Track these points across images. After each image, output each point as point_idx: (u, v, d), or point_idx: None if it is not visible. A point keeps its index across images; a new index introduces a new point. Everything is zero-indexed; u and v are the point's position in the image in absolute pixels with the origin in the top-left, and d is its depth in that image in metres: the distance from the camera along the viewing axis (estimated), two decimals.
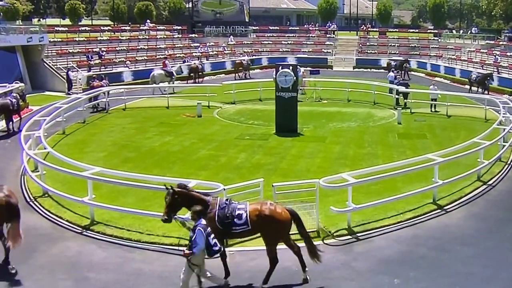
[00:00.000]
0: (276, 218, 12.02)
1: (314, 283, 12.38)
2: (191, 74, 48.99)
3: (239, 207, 12.06)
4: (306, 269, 12.42)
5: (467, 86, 42.92)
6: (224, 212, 11.92)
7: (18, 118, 29.42)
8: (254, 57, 58.57)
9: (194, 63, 51.20)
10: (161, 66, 46.49)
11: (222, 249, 11.57)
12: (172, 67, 46.70)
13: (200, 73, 49.99)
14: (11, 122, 28.46)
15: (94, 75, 41.76)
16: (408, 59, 54.63)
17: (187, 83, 47.73)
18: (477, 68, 50.76)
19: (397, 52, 63.42)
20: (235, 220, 11.90)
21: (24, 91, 33.42)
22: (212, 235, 11.25)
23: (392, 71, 44.66)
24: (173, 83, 43.80)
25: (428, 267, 13.01)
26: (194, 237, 11.10)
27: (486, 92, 39.70)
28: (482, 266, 13.05)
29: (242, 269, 13.07)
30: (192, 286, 11.64)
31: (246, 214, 11.95)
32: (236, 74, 51.49)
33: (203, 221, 11.32)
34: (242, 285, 12.39)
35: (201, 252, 11.19)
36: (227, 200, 12.32)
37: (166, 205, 11.96)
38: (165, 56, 53.06)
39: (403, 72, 50.47)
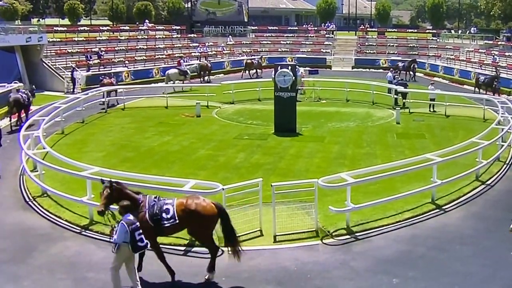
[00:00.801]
0: (201, 212, 12.24)
1: (312, 283, 12.40)
2: (201, 73, 49.25)
3: (166, 203, 12.33)
4: (214, 272, 12.61)
5: (467, 87, 42.98)
6: (153, 209, 12.16)
7: (25, 113, 30.38)
8: (264, 56, 58.91)
9: (204, 62, 51.80)
10: (176, 65, 47.40)
11: (147, 245, 11.68)
12: (187, 65, 47.52)
13: (209, 72, 50.52)
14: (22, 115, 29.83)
15: (104, 73, 42.36)
16: (415, 59, 54.13)
17: (201, 81, 48.24)
18: (475, 68, 50.84)
19: (395, 52, 63.48)
20: (163, 215, 12.15)
21: (33, 89, 34.60)
22: (139, 231, 11.40)
23: (396, 72, 44.96)
24: (188, 82, 44.40)
25: (427, 267, 13.03)
26: (115, 231, 11.36)
27: (495, 94, 38.91)
28: (481, 265, 13.07)
29: (241, 269, 13.07)
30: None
31: (173, 208, 12.20)
32: (246, 73, 52.06)
33: (130, 217, 11.50)
34: (241, 285, 12.40)
35: (126, 247, 11.34)
36: (155, 197, 12.50)
37: (104, 198, 12.11)
38: (180, 55, 53.97)
39: (411, 72, 50.37)
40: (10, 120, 29.70)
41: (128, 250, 11.38)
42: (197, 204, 12.27)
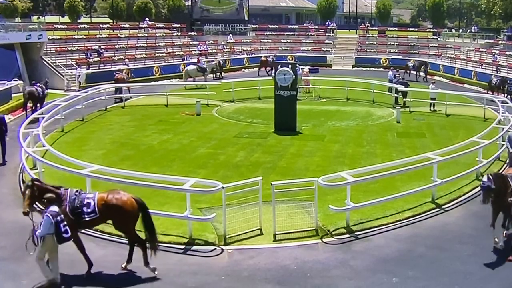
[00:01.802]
0: (120, 206, 12.42)
1: (312, 282, 12.39)
2: (214, 69, 49.49)
3: (88, 197, 12.53)
4: (130, 263, 12.87)
5: (467, 86, 42.89)
6: (74, 203, 12.33)
7: (40, 106, 30.98)
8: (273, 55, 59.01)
9: (217, 60, 52.72)
10: (195, 62, 48.56)
11: (71, 237, 11.94)
12: (208, 63, 48.52)
13: (221, 69, 51.22)
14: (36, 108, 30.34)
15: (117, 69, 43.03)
16: (426, 61, 53.46)
17: (214, 78, 48.48)
18: (476, 67, 50.84)
19: (396, 51, 63.47)
20: (84, 209, 12.32)
21: (47, 82, 35.07)
22: (64, 223, 11.63)
23: (405, 71, 45.05)
24: (205, 79, 44.80)
25: (427, 266, 13.01)
26: (41, 222, 11.52)
27: (509, 96, 37.75)
28: (481, 265, 13.04)
29: (241, 268, 13.08)
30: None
31: (94, 202, 12.38)
32: (260, 70, 52.61)
33: (54, 208, 11.69)
34: (240, 284, 12.38)
35: (50, 238, 11.53)
36: (77, 191, 12.65)
37: (27, 198, 12.21)
38: (199, 52, 55.38)
39: (421, 73, 49.86)
40: (26, 113, 30.13)
41: (53, 241, 11.59)
42: (117, 198, 12.50)
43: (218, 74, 49.63)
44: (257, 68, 54.41)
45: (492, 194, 13.44)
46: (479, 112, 31.71)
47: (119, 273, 12.78)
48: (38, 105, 31.22)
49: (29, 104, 31.14)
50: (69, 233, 11.70)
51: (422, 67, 50.27)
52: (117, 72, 40.56)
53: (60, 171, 17.94)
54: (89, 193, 12.89)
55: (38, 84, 32.54)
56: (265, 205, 15.32)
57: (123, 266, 12.80)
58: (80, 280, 12.45)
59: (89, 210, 12.33)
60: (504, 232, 14.13)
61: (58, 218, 11.55)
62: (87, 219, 12.37)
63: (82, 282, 12.36)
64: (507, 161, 20.28)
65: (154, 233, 12.95)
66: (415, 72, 50.27)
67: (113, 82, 37.87)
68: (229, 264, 13.32)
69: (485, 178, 13.45)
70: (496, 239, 13.90)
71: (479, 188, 13.82)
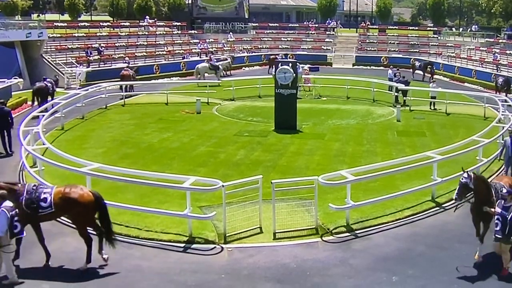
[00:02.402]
0: (77, 200, 12.57)
1: (312, 280, 12.40)
2: (227, 67, 49.92)
3: (45, 191, 12.69)
4: (89, 262, 12.92)
5: (468, 85, 42.79)
6: (31, 197, 12.47)
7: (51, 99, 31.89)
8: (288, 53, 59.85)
9: (230, 57, 53.66)
10: (207, 59, 49.18)
11: (23, 233, 12.14)
12: (222, 61, 49.23)
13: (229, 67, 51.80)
14: (45, 103, 30.52)
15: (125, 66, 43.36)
16: (431, 61, 52.58)
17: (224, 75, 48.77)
18: (476, 66, 50.84)
19: (396, 49, 63.51)
20: (40, 203, 12.48)
21: (57, 79, 36.71)
22: (17, 218, 11.78)
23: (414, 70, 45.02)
24: (218, 77, 44.86)
25: (427, 265, 13.01)
26: None
27: None
28: (480, 264, 13.05)
29: (241, 266, 13.09)
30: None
31: (51, 197, 12.53)
32: (271, 68, 52.24)
33: (8, 203, 11.78)
34: (240, 282, 12.39)
35: (5, 233, 11.63)
36: (34, 185, 12.82)
37: None
38: (211, 51, 56.19)
39: (428, 73, 48.65)
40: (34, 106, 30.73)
41: (6, 236, 11.66)
42: (74, 192, 12.66)
43: (228, 72, 49.91)
44: (257, 67, 54.55)
45: (468, 194, 13.22)
46: (479, 111, 31.72)
47: (118, 271, 12.79)
48: (49, 98, 32.04)
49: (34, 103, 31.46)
50: (19, 227, 11.84)
51: (428, 67, 49.52)
52: (126, 68, 41.17)
53: (60, 169, 17.94)
54: (47, 187, 13.06)
55: (48, 79, 33.37)
56: (265, 203, 15.33)
57: (81, 268, 12.84)
58: (80, 277, 12.46)
59: (46, 204, 12.50)
60: (477, 253, 13.26)
61: (13, 212, 11.70)
62: (44, 213, 12.55)
63: (83, 280, 12.37)
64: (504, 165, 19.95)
65: (110, 227, 13.14)
66: (421, 72, 49.56)
67: (118, 79, 38.07)
68: (229, 263, 13.34)
69: (465, 175, 13.06)
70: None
71: (461, 180, 13.15)
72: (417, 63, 51.42)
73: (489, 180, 14.31)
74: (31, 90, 32.70)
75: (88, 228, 13.00)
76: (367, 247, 14.26)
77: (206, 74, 45.63)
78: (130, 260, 13.37)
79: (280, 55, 55.15)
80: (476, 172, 14.67)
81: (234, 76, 45.97)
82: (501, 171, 20.12)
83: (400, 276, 12.47)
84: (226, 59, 51.14)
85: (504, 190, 12.66)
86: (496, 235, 12.24)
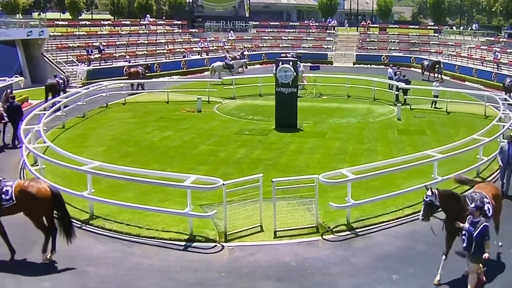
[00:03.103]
0: (34, 194, 12.79)
1: (313, 278, 12.41)
2: (242, 66, 50.20)
3: (7, 184, 13.03)
4: (54, 252, 13.18)
5: (468, 84, 42.70)
6: None
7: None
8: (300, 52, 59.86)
9: (247, 56, 54.95)
10: (223, 58, 50.10)
11: None
12: (236, 61, 49.52)
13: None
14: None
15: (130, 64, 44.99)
16: (440, 59, 52.24)
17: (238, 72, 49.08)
18: (477, 65, 50.82)
19: (397, 48, 63.53)
20: (2, 196, 12.79)
21: (69, 76, 38.48)
22: None
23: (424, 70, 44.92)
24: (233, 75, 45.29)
25: (427, 263, 13.02)
26: None
27: None
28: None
29: (241, 264, 13.11)
30: None
31: (12, 190, 12.79)
32: None
33: None
34: (241, 280, 12.41)
35: None
36: None
37: None
38: (227, 49, 56.92)
39: (436, 73, 47.90)
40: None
41: None
42: (32, 186, 12.91)
43: (241, 69, 50.08)
44: (258, 65, 54.62)
45: (434, 211, 12.29)
46: (479, 110, 31.71)
47: (119, 269, 12.83)
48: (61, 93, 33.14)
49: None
50: None
51: (436, 66, 48.61)
52: (139, 67, 42.21)
53: (61, 167, 17.97)
54: (10, 181, 13.21)
55: (60, 76, 35.09)
56: (265, 202, 15.35)
57: (48, 257, 13.06)
58: (81, 274, 12.49)
59: (7, 197, 12.77)
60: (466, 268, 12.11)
61: None
62: (5, 205, 12.78)
63: (84, 277, 12.40)
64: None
65: (68, 224, 13.28)
66: (428, 72, 48.66)
67: (119, 77, 38.46)
68: (229, 261, 13.36)
69: (428, 193, 12.14)
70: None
71: (425, 199, 12.22)
72: (425, 63, 50.40)
73: (473, 188, 13.28)
74: (44, 86, 33.62)
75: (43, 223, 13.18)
76: (368, 245, 14.27)
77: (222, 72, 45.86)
78: (131, 258, 13.40)
79: (291, 53, 55.53)
80: (439, 188, 13.17)
81: (236, 74, 45.94)
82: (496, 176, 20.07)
83: (400, 275, 12.49)
84: (243, 58, 51.14)
85: (473, 205, 11.70)
86: (463, 253, 11.59)
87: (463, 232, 11.43)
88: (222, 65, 46.16)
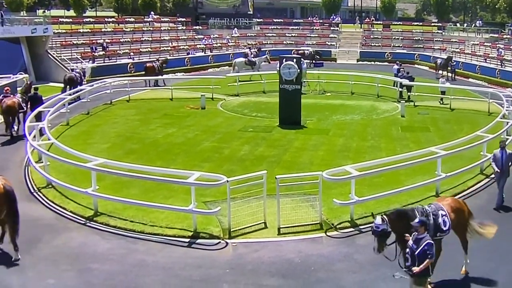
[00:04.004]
0: None
1: (316, 275, 12.44)
2: (264, 62, 50.06)
3: None
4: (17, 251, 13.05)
5: (472, 81, 42.50)
6: None
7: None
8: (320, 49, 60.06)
9: (268, 52, 53.84)
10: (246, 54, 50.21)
11: None
12: (259, 56, 49.38)
13: None
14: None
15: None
16: (450, 55, 50.78)
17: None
18: (481, 61, 50.69)
19: (401, 45, 63.45)
20: None
21: (84, 71, 40.22)
22: None
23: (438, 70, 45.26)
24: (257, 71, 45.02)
25: None
26: None
27: None
28: (485, 259, 13.07)
29: (245, 261, 13.14)
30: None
31: None
32: None
33: None
34: (245, 277, 12.44)
35: None
36: None
37: None
38: (248, 46, 56.38)
39: (450, 72, 46.61)
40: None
41: None
42: None
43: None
44: (262, 62, 54.49)
45: (387, 238, 11.01)
46: (483, 106, 31.65)
47: (124, 265, 12.87)
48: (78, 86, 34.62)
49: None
50: None
51: (450, 63, 47.17)
52: (155, 61, 43.25)
53: (65, 164, 18.03)
54: None
55: (77, 71, 37.26)
56: (269, 198, 15.38)
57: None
58: (85, 271, 12.53)
59: None
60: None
61: None
62: None
63: (88, 274, 12.45)
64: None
65: (15, 222, 13.18)
66: (441, 71, 47.41)
67: (122, 75, 38.80)
68: (233, 258, 13.39)
69: (378, 221, 10.83)
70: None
71: (376, 229, 10.88)
72: (439, 61, 49.11)
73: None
74: (63, 79, 35.74)
75: None
76: (371, 242, 14.20)
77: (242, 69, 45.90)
78: (135, 255, 13.44)
79: (309, 50, 56.35)
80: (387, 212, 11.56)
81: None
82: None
83: (404, 272, 12.46)
84: (265, 54, 51.10)
85: (417, 220, 10.59)
86: (407, 271, 10.56)
87: (407, 250, 10.52)
88: (244, 61, 45.80)
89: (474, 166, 19.28)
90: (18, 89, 29.80)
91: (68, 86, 34.61)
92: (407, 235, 10.60)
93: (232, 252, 13.65)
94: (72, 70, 38.01)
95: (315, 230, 14.93)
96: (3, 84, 32.46)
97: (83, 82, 36.81)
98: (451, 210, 11.85)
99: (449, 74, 46.22)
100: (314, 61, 55.14)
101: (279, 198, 15.00)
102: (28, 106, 26.45)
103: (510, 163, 17.06)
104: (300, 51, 54.46)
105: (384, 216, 10.95)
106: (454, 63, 48.22)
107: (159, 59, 45.70)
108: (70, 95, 30.76)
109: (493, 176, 17.68)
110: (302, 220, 15.17)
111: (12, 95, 26.23)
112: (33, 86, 28.17)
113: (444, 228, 11.59)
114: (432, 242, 10.37)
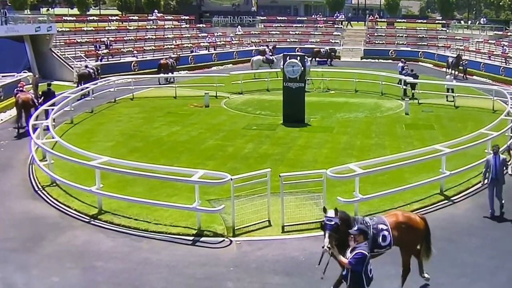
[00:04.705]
0: None
1: (319, 273, 12.40)
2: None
3: None
4: None
5: (476, 78, 42.40)
6: None
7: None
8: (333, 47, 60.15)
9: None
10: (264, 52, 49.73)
11: None
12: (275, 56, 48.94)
13: None
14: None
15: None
16: (460, 53, 49.89)
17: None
18: (485, 59, 50.59)
19: (405, 42, 63.30)
20: None
21: (98, 67, 41.37)
22: None
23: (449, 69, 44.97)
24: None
25: (435, 258, 12.93)
26: None
27: None
28: (489, 256, 13.06)
29: (249, 259, 13.14)
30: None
31: None
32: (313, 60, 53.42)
33: None
34: (249, 275, 12.44)
35: None
36: None
37: None
38: (266, 44, 55.97)
39: (461, 70, 46.07)
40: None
41: None
42: None
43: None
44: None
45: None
46: (487, 104, 31.59)
47: (128, 264, 12.88)
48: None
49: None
50: None
51: (461, 62, 46.40)
52: (168, 58, 44.71)
53: (69, 162, 18.04)
54: None
55: (90, 67, 38.45)
56: (273, 196, 15.37)
57: None
58: (89, 269, 12.55)
59: None
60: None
61: None
62: None
63: (92, 272, 12.46)
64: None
65: None
66: (452, 70, 46.26)
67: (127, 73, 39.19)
68: (237, 256, 13.39)
69: (330, 214, 10.09)
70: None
71: (328, 222, 10.02)
72: (450, 60, 48.06)
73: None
74: (77, 75, 38.40)
75: None
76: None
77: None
78: (139, 253, 13.45)
79: (325, 48, 56.95)
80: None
81: (242, 69, 45.85)
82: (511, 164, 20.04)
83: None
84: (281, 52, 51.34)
85: (355, 228, 9.98)
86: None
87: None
88: (262, 59, 45.83)
89: (478, 164, 19.20)
90: (28, 86, 30.81)
91: (82, 82, 35.44)
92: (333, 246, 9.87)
93: (236, 250, 13.65)
94: (86, 66, 38.92)
95: (320, 228, 14.89)
96: (17, 79, 32.73)
97: (98, 78, 37.21)
98: (395, 225, 11.01)
99: (460, 74, 45.88)
100: (330, 59, 55.53)
101: (283, 196, 14.99)
102: (40, 101, 27.36)
103: (504, 169, 16.98)
104: (315, 49, 54.75)
105: (339, 211, 10.25)
106: (466, 62, 47.52)
107: (172, 56, 46.42)
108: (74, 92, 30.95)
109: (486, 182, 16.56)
110: (306, 218, 15.15)
111: (25, 91, 27.62)
112: (47, 82, 30.03)
113: (383, 244, 10.89)
114: (366, 254, 9.62)
